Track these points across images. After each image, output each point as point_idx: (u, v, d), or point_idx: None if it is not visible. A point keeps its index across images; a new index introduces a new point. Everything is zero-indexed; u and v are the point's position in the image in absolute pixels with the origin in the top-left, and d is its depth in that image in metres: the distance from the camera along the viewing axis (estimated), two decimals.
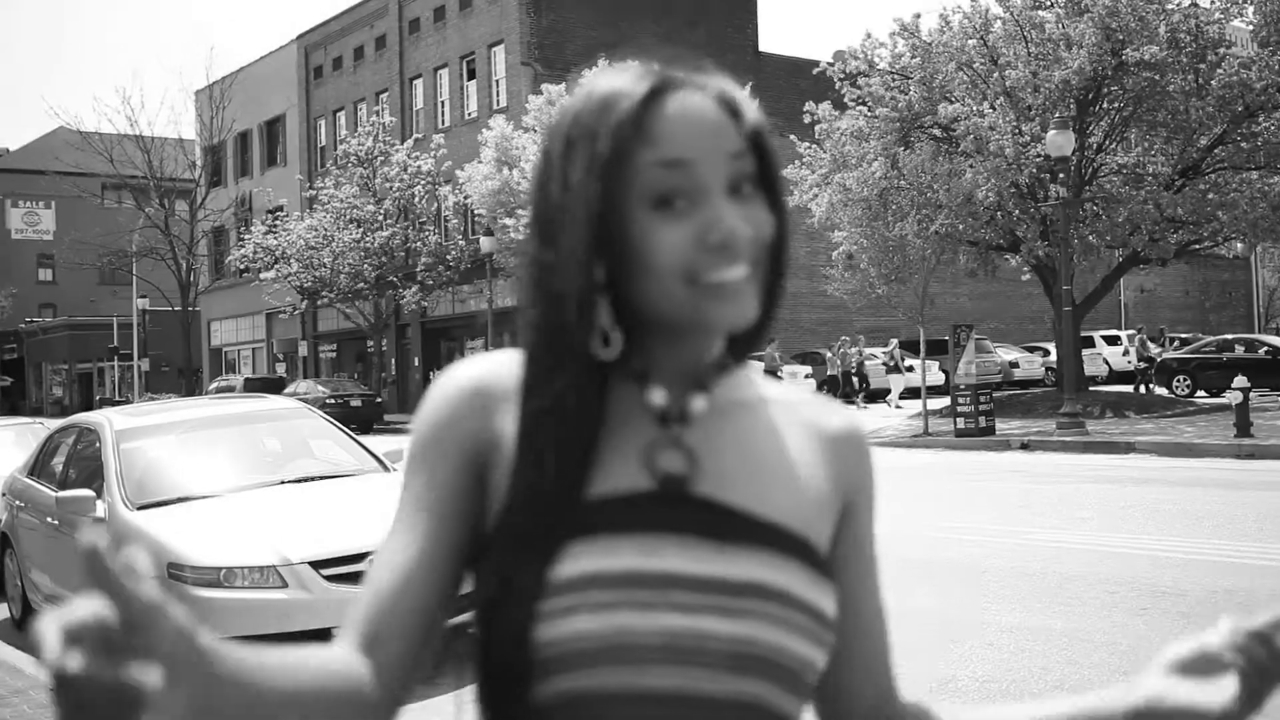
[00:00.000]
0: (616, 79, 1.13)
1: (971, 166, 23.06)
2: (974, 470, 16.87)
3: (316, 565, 6.47)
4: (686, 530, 1.09)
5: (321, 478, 7.93)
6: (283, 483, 7.77)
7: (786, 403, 1.23)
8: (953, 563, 9.32)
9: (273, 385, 38.05)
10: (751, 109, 1.16)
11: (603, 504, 1.09)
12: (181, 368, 55.20)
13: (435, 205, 38.04)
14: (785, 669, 1.08)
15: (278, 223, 40.11)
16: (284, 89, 51.00)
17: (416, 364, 42.84)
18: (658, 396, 1.15)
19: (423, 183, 37.45)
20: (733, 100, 1.14)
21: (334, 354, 48.68)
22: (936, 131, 24.55)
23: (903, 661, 1.31)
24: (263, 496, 7.48)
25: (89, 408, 52.90)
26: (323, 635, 4.70)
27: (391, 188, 37.45)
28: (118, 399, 51.47)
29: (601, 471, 1.10)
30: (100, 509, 7.57)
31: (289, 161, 50.48)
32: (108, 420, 8.41)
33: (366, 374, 43.35)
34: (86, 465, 8.42)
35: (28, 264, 71.31)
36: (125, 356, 52.65)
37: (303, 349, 47.97)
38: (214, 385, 43.01)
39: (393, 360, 43.92)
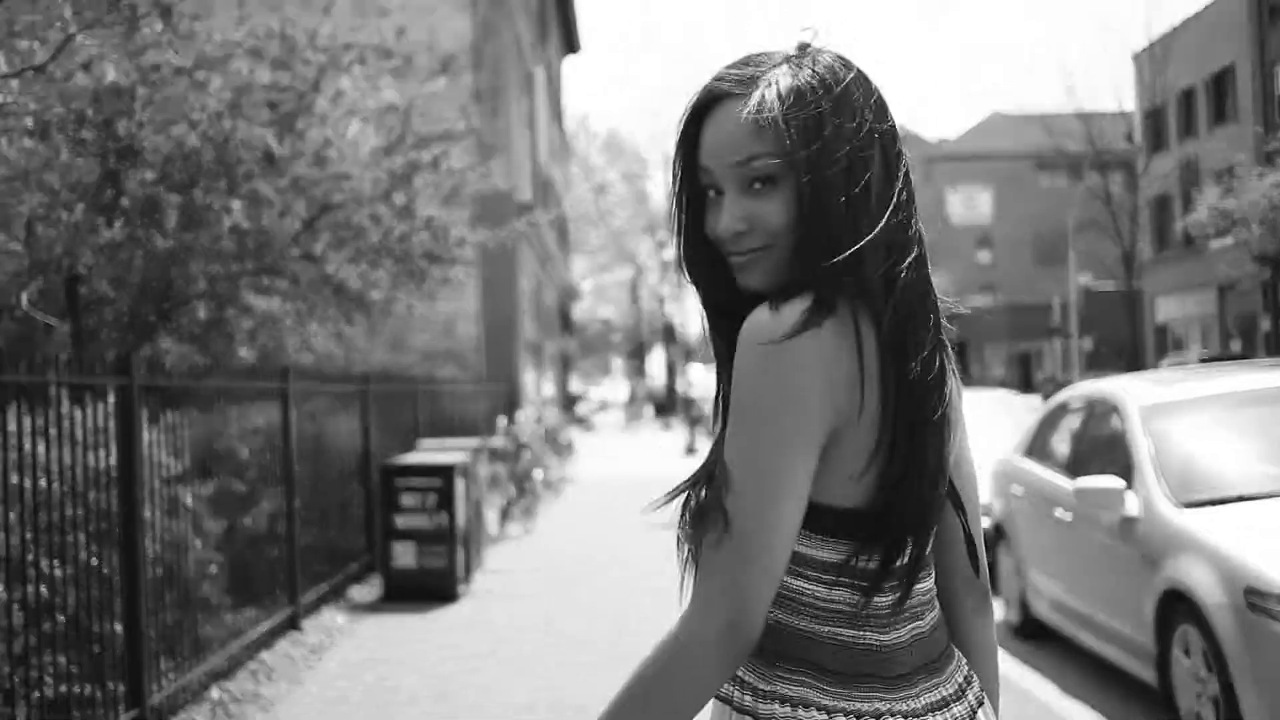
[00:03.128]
0: (694, 91, 1.54)
1: None
2: None
3: None
4: None
5: None
6: None
7: None
8: None
9: None
10: (775, 117, 1.46)
11: None
12: (1122, 347, 53.29)
13: None
14: None
15: (1235, 182, 36.29)
16: (1231, 37, 46.55)
17: None
18: None
19: None
20: (757, 110, 1.47)
21: None
22: None
23: None
24: None
25: (1028, 389, 53.31)
26: None
27: None
28: (1060, 380, 50.84)
29: None
30: (1132, 504, 5.92)
31: (1240, 116, 45.96)
32: (1128, 391, 6.76)
33: None
34: (1099, 446, 6.86)
35: (966, 248, 73.87)
36: (1065, 335, 51.79)
37: (1264, 324, 43.27)
38: (1166, 362, 40.33)
39: None
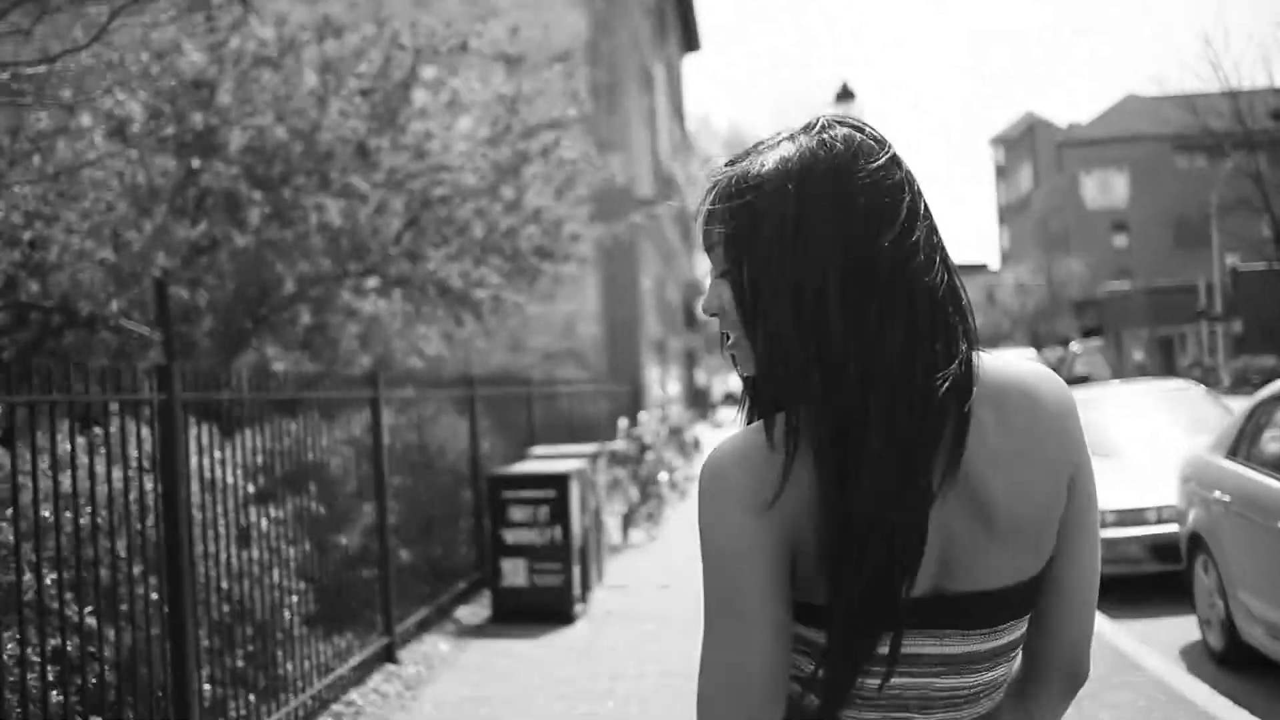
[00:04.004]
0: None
1: None
2: None
3: None
4: None
5: None
6: None
7: None
8: None
9: None
10: (724, 199, 1.41)
11: None
12: (1273, 329, 50.67)
13: None
14: None
15: None
16: None
17: None
18: None
19: None
20: (718, 192, 1.42)
21: None
22: None
23: None
24: None
25: (1171, 373, 50.92)
26: None
27: None
28: (1206, 365, 48.43)
29: None
30: None
31: None
32: None
33: None
34: None
35: (1102, 232, 71.75)
36: (1213, 319, 49.33)
37: None
38: None
39: None
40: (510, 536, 8.54)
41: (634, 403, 21.62)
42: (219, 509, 5.15)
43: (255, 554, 5.57)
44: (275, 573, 5.73)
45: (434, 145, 9.57)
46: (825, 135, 1.39)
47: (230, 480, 5.57)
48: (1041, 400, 1.41)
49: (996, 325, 65.87)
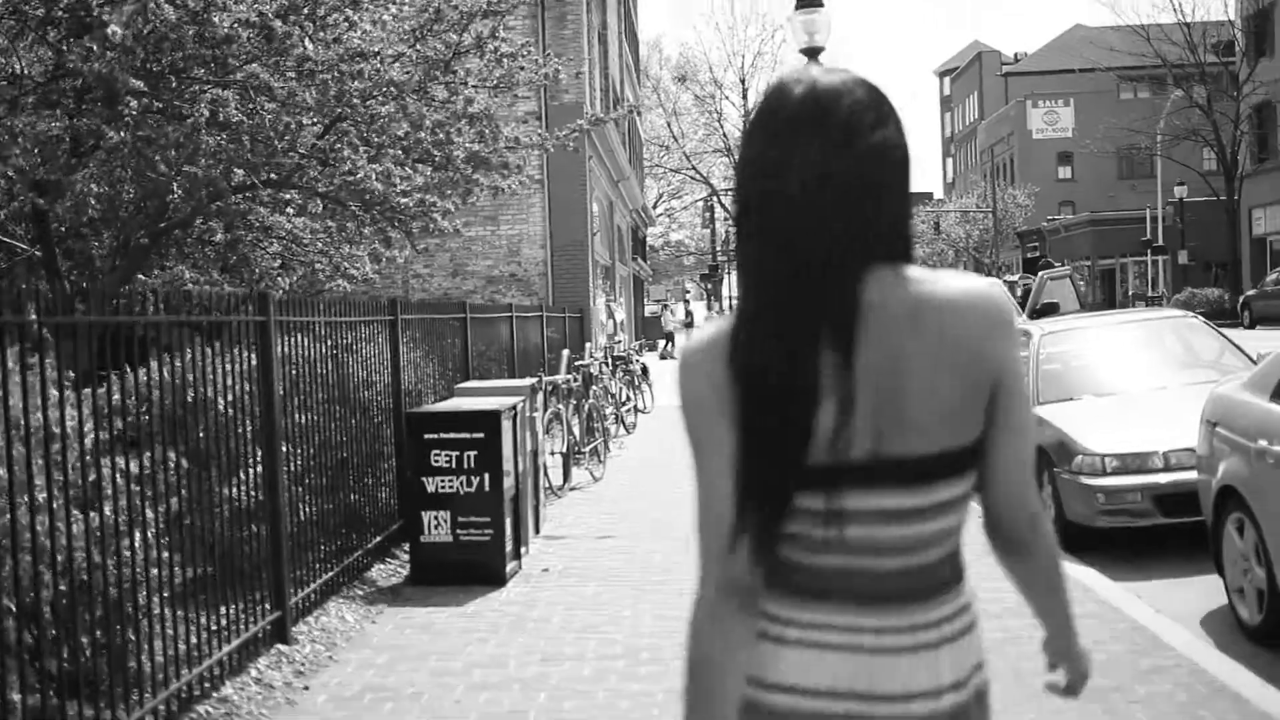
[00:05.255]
0: None
1: None
2: None
3: None
4: None
5: None
6: None
7: None
8: None
9: None
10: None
11: None
12: (1218, 261, 50.44)
13: None
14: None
15: None
16: None
17: None
18: None
19: None
20: None
21: None
22: None
23: None
24: None
25: (1111, 305, 50.56)
26: None
27: None
28: (1150, 296, 48.07)
29: None
30: None
31: None
32: None
33: None
34: None
35: (1047, 163, 71.45)
36: (1158, 250, 48.86)
37: None
38: (1274, 277, 37.50)
39: None
40: (432, 485, 7.41)
41: (581, 331, 20.43)
42: (54, 461, 4.00)
43: (106, 516, 4.43)
44: (134, 539, 4.58)
45: (354, 35, 8.29)
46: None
47: (73, 425, 4.44)
48: (961, 315, 1.63)
49: (941, 255, 65.33)
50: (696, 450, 1.67)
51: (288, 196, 9.25)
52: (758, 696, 1.67)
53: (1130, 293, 55.21)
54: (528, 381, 9.76)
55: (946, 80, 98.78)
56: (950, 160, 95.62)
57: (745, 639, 1.68)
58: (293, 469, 6.60)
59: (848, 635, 1.65)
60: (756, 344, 1.62)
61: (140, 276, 9.08)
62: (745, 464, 1.61)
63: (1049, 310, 19.09)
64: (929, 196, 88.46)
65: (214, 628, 5.32)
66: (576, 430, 12.32)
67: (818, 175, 1.59)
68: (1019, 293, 23.46)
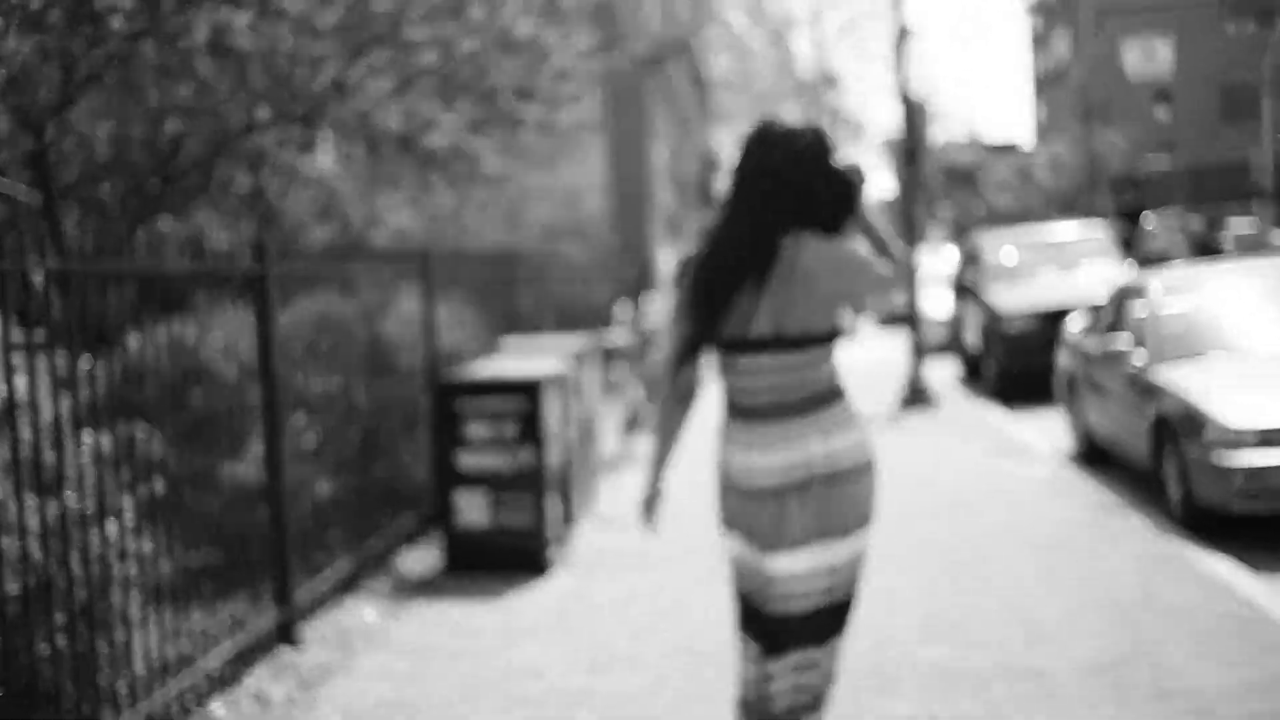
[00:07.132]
0: None
1: None
2: None
3: None
4: None
5: None
6: None
7: None
8: None
9: None
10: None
11: None
12: None
13: None
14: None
15: None
16: None
17: None
18: None
19: None
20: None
21: None
22: None
23: None
24: None
25: (1215, 253, 48.39)
26: None
27: None
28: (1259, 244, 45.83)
29: None
30: None
31: None
32: None
33: None
34: None
35: (1144, 103, 68.87)
36: (1265, 197, 46.49)
37: None
38: None
39: None
40: (467, 461, 6.54)
41: (641, 285, 19.49)
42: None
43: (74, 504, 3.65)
44: (109, 530, 3.78)
45: None
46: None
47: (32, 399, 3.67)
48: (824, 264, 3.04)
49: (1028, 205, 63.13)
50: (672, 321, 3.18)
51: (315, 136, 8.40)
52: (728, 480, 3.17)
53: (1233, 241, 52.90)
54: (581, 340, 8.84)
55: (1039, 16, 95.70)
56: (1041, 101, 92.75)
57: (685, 413, 3.23)
58: (302, 445, 5.78)
59: (776, 436, 3.07)
60: (710, 267, 3.11)
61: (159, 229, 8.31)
62: (689, 329, 3.12)
63: (1157, 260, 17.74)
64: (1013, 148, 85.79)
65: (200, 631, 4.51)
66: (637, 394, 11.37)
67: (778, 175, 3.07)
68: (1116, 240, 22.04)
